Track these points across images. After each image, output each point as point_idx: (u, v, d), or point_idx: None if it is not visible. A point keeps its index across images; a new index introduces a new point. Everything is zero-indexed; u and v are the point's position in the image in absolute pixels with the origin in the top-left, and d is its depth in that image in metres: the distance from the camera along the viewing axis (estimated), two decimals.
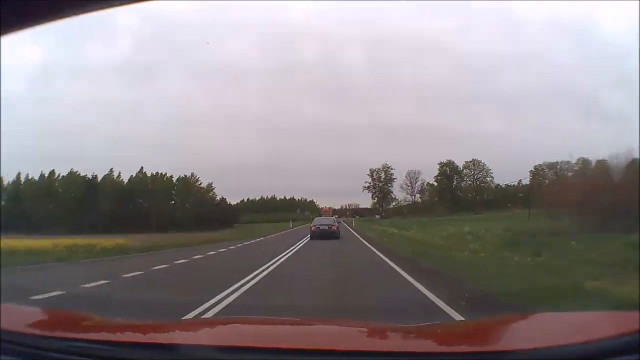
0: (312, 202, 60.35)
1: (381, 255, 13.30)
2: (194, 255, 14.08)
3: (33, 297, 5.99)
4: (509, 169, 55.37)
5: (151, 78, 66.61)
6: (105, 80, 60.01)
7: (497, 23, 68.93)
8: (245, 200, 60.92)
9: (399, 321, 3.25)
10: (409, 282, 7.89)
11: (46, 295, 6.31)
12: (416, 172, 56.10)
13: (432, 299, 6.15)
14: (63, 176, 39.68)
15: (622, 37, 41.43)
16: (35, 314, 2.34)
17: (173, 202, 46.64)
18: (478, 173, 54.03)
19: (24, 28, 1.54)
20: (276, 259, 12.71)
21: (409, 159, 59.00)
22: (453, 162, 54.38)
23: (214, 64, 69.66)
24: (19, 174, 36.39)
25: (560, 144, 51.50)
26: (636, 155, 16.97)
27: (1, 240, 13.43)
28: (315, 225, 23.68)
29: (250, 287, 7.59)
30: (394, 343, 1.88)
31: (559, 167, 46.45)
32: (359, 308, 5.44)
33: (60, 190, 38.12)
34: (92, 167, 40.46)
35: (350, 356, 1.56)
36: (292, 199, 61.79)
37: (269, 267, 10.69)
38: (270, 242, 23.09)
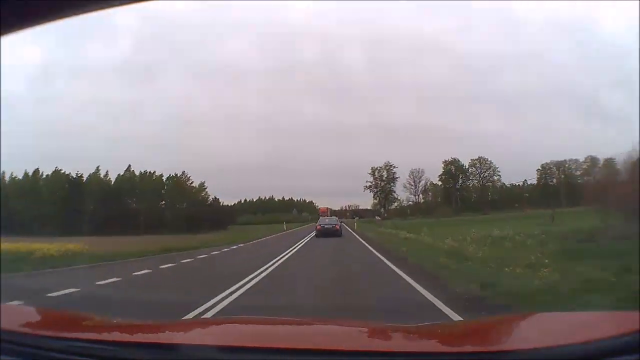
0: (311, 202, 60.70)
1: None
2: (144, 270, 11.29)
3: None
4: (509, 169, 56.08)
5: (151, 78, 67.52)
6: (105, 80, 60.98)
7: (497, 23, 70.23)
8: (243, 201, 61.54)
9: (398, 321, 3.31)
10: None
11: None
12: (420, 170, 55.73)
13: None
14: (47, 175, 39.56)
15: (622, 37, 42.30)
16: (35, 314, 2.40)
17: (163, 202, 46.02)
18: (485, 172, 53.82)
19: (24, 28, 1.61)
20: (254, 274, 10.07)
21: (409, 159, 59.36)
22: (458, 161, 54.09)
23: (214, 64, 70.86)
24: (4, 173, 36.49)
25: (560, 144, 52.31)
26: None
27: None
28: (320, 225, 28.17)
29: None
30: (394, 343, 1.94)
31: (567, 165, 46.77)
32: None
33: (43, 190, 37.95)
34: (92, 167, 41.35)
35: (350, 356, 1.61)
36: (291, 200, 62.40)
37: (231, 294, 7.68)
38: (253, 250, 19.84)
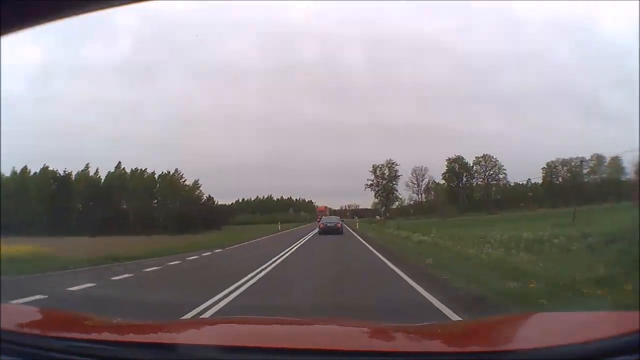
0: (310, 202, 61.14)
1: None
2: (85, 284, 9.12)
3: None
4: (510, 169, 56.45)
5: (151, 78, 68.54)
6: (105, 80, 61.96)
7: (497, 23, 71.38)
8: (241, 200, 62.21)
9: (398, 321, 3.36)
10: None
11: None
12: (423, 168, 55.17)
13: None
14: (35, 173, 39.58)
15: (622, 37, 43.10)
16: (35, 314, 2.47)
17: (155, 201, 45.60)
18: (490, 169, 53.10)
19: (24, 28, 1.67)
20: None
21: (409, 158, 59.95)
22: (462, 158, 53.53)
23: (214, 64, 71.58)
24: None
25: (560, 144, 53.49)
26: None
27: None
28: (323, 223, 31.54)
29: None
30: (394, 343, 2.00)
31: (573, 164, 47.02)
32: None
33: (31, 189, 37.95)
34: (92, 168, 41.93)
35: (350, 356, 1.67)
36: (290, 199, 63.27)
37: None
38: (234, 255, 17.58)
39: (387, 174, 55.45)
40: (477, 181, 54.08)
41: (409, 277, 9.49)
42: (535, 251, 11.84)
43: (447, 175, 54.47)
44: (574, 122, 58.02)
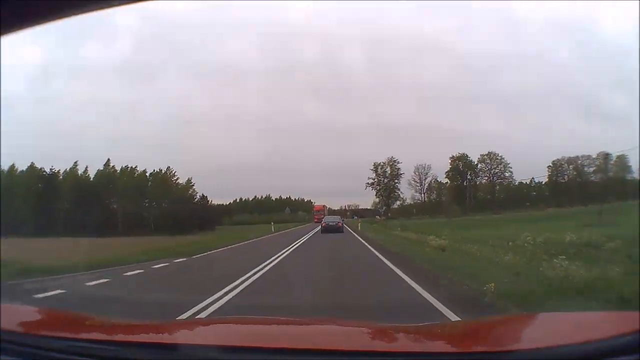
0: (309, 202, 61.74)
1: None
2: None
3: None
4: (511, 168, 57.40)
5: (151, 78, 70.60)
6: (105, 80, 63.70)
7: (497, 23, 73.45)
8: (239, 200, 62.93)
9: (398, 321, 3.42)
10: None
11: None
12: (426, 166, 54.84)
13: None
14: (22, 171, 39.42)
15: (622, 37, 44.38)
16: (35, 314, 2.53)
17: (147, 200, 45.32)
18: (495, 167, 52.84)
19: (24, 28, 1.72)
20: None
21: (409, 158, 60.75)
22: (466, 156, 53.34)
23: (214, 64, 73.83)
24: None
25: (560, 144, 54.74)
26: None
27: None
28: (325, 222, 33.78)
29: None
30: (394, 343, 2.08)
31: (579, 162, 47.13)
32: None
33: (17, 187, 37.77)
34: (92, 168, 42.79)
35: (350, 356, 1.73)
36: (289, 199, 64.23)
37: None
38: (214, 261, 15.79)
39: (389, 172, 55.10)
40: (482, 180, 53.90)
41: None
42: (593, 259, 9.61)
43: (450, 173, 54.27)
44: (574, 122, 59.49)
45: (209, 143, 63.14)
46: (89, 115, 59.64)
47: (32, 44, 43.42)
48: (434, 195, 56.96)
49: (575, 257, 9.54)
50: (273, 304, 7.18)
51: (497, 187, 53.75)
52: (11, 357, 1.72)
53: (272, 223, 39.78)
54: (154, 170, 46.71)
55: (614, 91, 57.39)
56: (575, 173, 48.31)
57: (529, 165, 52.24)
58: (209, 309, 6.97)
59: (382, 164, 54.93)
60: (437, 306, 6.70)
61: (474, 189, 53.93)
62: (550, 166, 49.53)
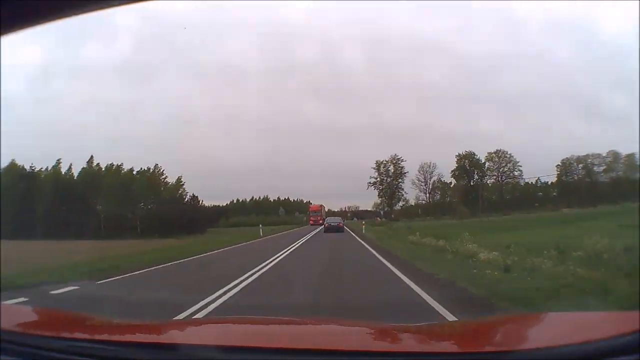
0: (308, 203, 61.94)
1: None
2: None
3: None
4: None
5: (151, 78, 73.79)
6: (105, 80, 66.43)
7: (497, 23, 75.89)
8: (235, 201, 63.93)
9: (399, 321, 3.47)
10: None
11: None
12: (431, 165, 54.22)
13: None
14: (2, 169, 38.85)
15: (622, 37, 45.52)
16: (35, 314, 2.61)
17: (132, 200, 44.33)
18: (504, 166, 52.12)
19: (24, 28, 1.79)
20: None
21: (410, 158, 60.91)
22: (473, 154, 52.72)
23: (214, 64, 77.39)
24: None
25: (561, 144, 56.18)
26: None
27: None
28: (328, 223, 36.37)
29: None
30: (394, 343, 2.16)
31: (589, 161, 47.11)
32: None
33: None
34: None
35: (350, 356, 1.80)
36: (287, 200, 64.79)
37: None
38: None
39: (392, 170, 54.72)
40: (490, 179, 53.24)
41: None
42: None
43: (457, 172, 53.50)
44: (574, 122, 60.93)
45: (209, 143, 65.89)
46: (90, 115, 61.91)
47: (32, 44, 44.83)
48: (437, 196, 56.59)
49: None
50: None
51: (505, 187, 53.12)
52: (11, 357, 1.78)
53: (261, 226, 37.42)
54: (141, 169, 46.31)
55: (614, 91, 59.00)
56: (584, 172, 48.25)
57: (529, 165, 52.30)
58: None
59: (384, 162, 54.61)
60: None
61: (480, 189, 53.01)
62: (559, 165, 49.61)
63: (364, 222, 39.16)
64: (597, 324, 2.06)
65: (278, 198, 65.05)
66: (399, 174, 54.90)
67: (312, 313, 6.69)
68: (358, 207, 65.47)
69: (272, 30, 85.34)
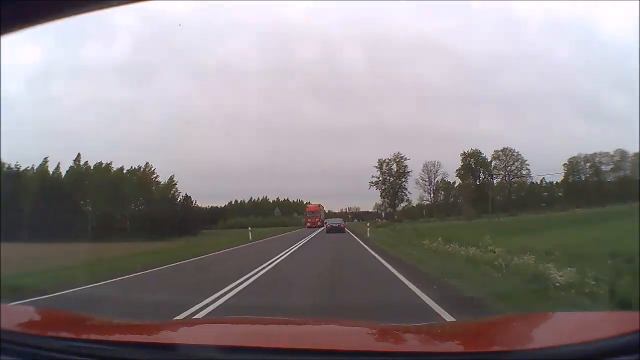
0: (308, 204, 61.67)
1: None
2: None
3: None
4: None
5: (151, 78, 74.91)
6: (104, 80, 67.81)
7: (497, 23, 76.98)
8: (234, 202, 63.91)
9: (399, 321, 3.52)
10: None
11: None
12: (436, 163, 53.39)
13: None
14: None
15: (622, 37, 46.06)
16: (35, 314, 2.68)
17: (122, 200, 43.66)
18: (511, 164, 51.22)
19: (24, 28, 1.87)
20: None
21: (411, 159, 61.23)
22: (479, 152, 52.08)
23: (214, 64, 78.19)
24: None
25: (561, 144, 57.28)
26: None
27: None
28: (329, 224, 39.67)
29: None
30: (394, 343, 2.24)
31: (597, 159, 47.15)
32: None
33: None
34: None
35: (350, 356, 1.87)
36: (286, 201, 65.20)
37: None
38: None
39: (395, 169, 53.85)
40: (497, 178, 52.46)
41: None
42: None
43: (462, 171, 52.87)
44: (574, 122, 61.87)
45: (208, 143, 66.64)
46: (89, 116, 62.85)
47: (32, 44, 45.92)
48: (441, 196, 56.10)
49: None
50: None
51: (511, 187, 52.40)
52: (11, 357, 1.85)
53: (250, 229, 34.30)
54: (132, 167, 45.91)
55: (614, 91, 59.84)
56: (592, 171, 48.26)
57: (530, 165, 52.04)
58: None
59: (387, 160, 53.79)
60: None
61: (486, 188, 52.06)
62: (565, 164, 49.34)
63: (368, 224, 35.76)
64: (597, 324, 2.13)
65: (277, 199, 65.29)
66: (402, 173, 54.23)
67: None
68: (358, 208, 65.84)
69: (272, 30, 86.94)
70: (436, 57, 75.27)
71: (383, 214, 56.35)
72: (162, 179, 47.28)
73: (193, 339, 2.26)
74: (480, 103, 69.66)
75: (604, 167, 46.89)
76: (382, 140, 74.72)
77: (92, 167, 44.15)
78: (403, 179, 54.20)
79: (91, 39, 72.36)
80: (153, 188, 46.95)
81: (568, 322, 2.32)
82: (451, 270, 11.10)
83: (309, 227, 46.73)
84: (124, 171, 45.46)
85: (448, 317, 7.31)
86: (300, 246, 23.28)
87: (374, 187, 54.49)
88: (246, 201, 65.61)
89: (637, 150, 39.58)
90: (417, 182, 54.13)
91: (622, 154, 43.32)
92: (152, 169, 46.17)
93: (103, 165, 44.33)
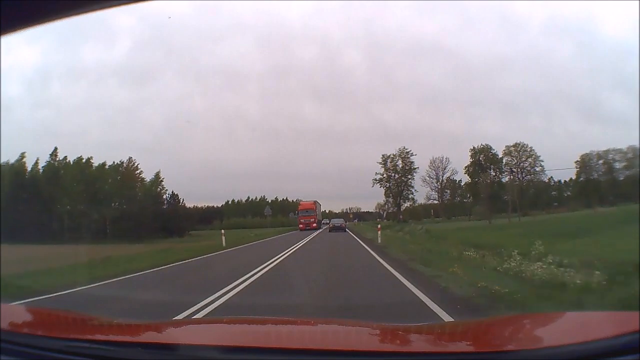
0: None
1: None
2: None
3: None
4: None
5: (150, 80, 77.34)
6: (104, 81, 69.28)
7: (498, 24, 79.48)
8: (230, 202, 65.04)
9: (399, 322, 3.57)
10: None
11: None
12: (444, 160, 51.64)
13: None
14: None
15: (622, 37, 47.05)
16: (35, 314, 2.77)
17: (101, 199, 41.20)
18: (524, 161, 49.20)
19: (24, 28, 1.94)
20: None
21: (412, 158, 61.35)
22: (490, 148, 49.86)
23: (213, 66, 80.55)
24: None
25: (561, 144, 58.54)
26: None
27: None
28: (332, 224, 43.40)
29: None
30: (394, 343, 2.32)
31: (610, 157, 46.62)
32: None
33: None
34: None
35: (350, 356, 1.93)
36: (285, 200, 65.68)
37: None
38: None
39: (401, 166, 51.63)
40: (508, 175, 50.20)
41: None
42: None
43: (470, 168, 50.72)
44: (574, 122, 63.46)
45: (207, 144, 69.26)
46: (88, 116, 64.28)
47: (32, 44, 47.77)
48: (447, 195, 54.90)
49: None
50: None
51: (534, 183, 50.48)
52: (11, 357, 1.92)
53: (223, 232, 27.35)
54: (113, 163, 43.86)
55: (614, 92, 61.06)
56: (606, 168, 47.43)
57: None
58: None
59: (392, 156, 51.56)
60: None
61: (498, 187, 49.92)
62: (578, 161, 48.10)
63: (379, 227, 26.98)
64: (597, 324, 2.19)
65: (276, 198, 66.15)
66: (408, 169, 52.04)
67: None
68: (360, 208, 66.26)
69: (271, 32, 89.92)
70: (436, 58, 77.68)
71: (384, 214, 55.44)
72: (149, 175, 45.46)
73: (193, 339, 2.33)
74: (480, 104, 71.82)
75: (617, 165, 46.45)
76: (383, 142, 76.74)
77: (71, 162, 42.08)
78: (409, 176, 52.22)
79: (90, 41, 74.72)
80: (137, 185, 45.10)
81: (568, 322, 2.39)
82: None
83: (301, 230, 41.48)
84: (106, 167, 43.67)
85: None
86: (289, 255, 17.71)
87: (378, 185, 52.58)
88: (243, 201, 66.58)
89: None
90: (424, 180, 52.24)
91: (634, 151, 42.93)
92: (136, 165, 44.48)
93: (83, 160, 42.39)
